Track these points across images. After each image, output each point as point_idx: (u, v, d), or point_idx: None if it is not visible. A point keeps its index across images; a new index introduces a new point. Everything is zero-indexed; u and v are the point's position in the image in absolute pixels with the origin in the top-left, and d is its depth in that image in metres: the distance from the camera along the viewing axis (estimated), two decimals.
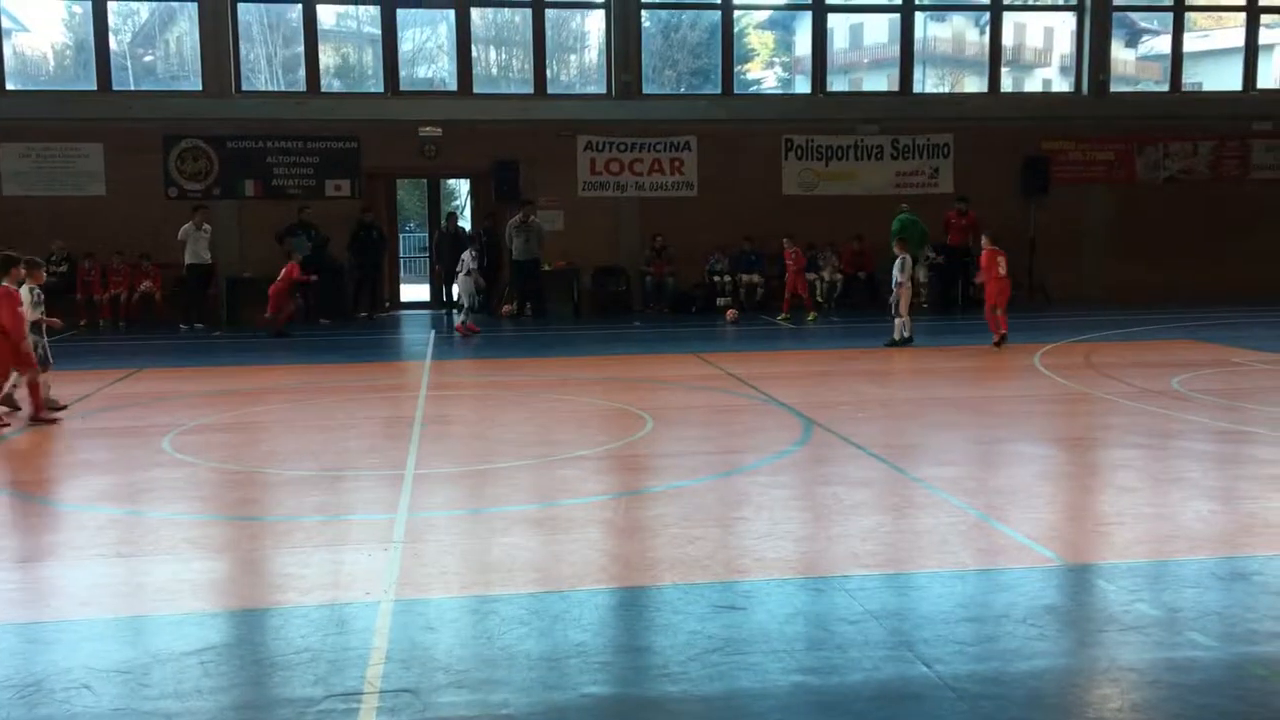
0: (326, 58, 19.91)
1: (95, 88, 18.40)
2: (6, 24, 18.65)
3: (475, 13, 19.56)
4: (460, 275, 16.07)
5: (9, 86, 18.29)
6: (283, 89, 19.46)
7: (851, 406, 9.87)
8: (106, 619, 4.87)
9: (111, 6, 18.66)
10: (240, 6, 18.67)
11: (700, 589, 5.11)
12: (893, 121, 20.15)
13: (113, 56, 18.70)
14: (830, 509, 6.47)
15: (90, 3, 18.29)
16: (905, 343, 13.95)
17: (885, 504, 6.59)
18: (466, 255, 16.07)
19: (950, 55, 26.36)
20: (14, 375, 9.41)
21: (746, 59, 23.00)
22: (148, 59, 20.20)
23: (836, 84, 21.91)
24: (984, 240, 14.52)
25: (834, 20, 21.18)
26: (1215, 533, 5.94)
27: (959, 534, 5.94)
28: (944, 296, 19.43)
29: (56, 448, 8.74)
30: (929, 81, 23.60)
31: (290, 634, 4.63)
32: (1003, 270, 13.86)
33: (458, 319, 16.33)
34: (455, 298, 16.84)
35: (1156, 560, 5.49)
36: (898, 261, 14.12)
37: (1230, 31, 22.43)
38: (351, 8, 19.92)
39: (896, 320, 14.06)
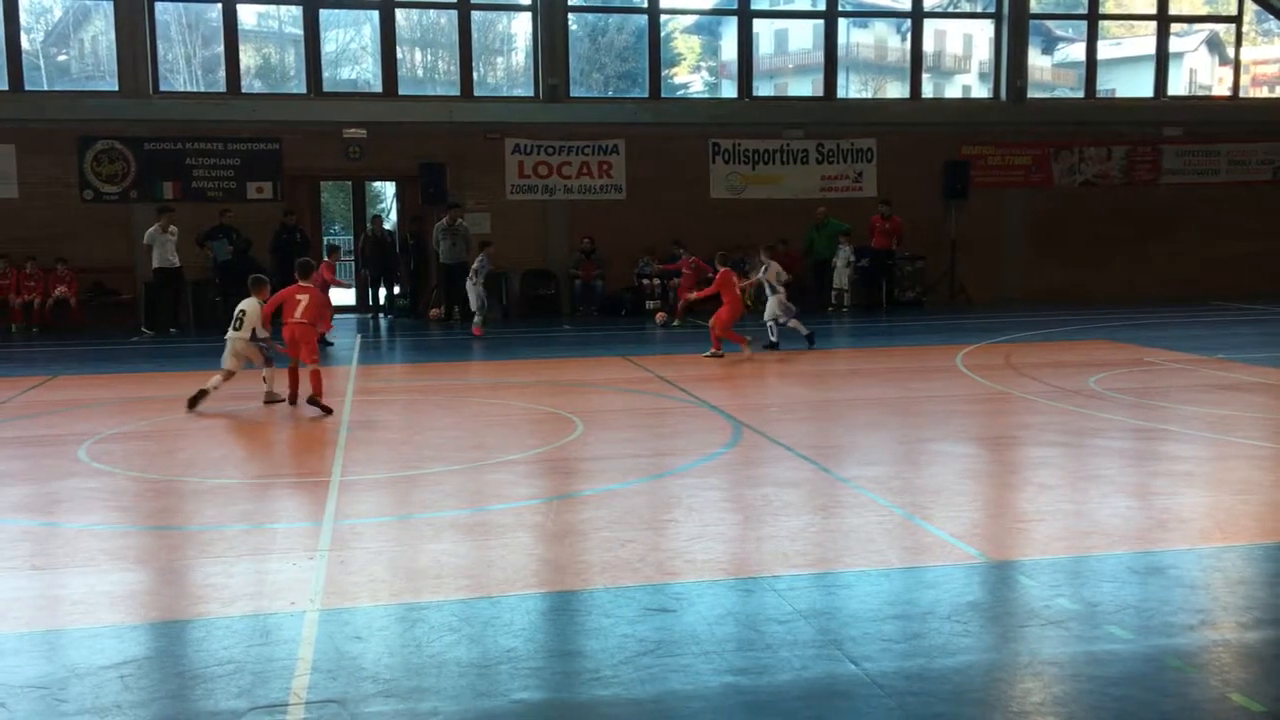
0: (247, 58, 19.58)
1: (7, 87, 17.87)
2: None
3: (400, 14, 19.40)
4: (471, 283, 15.97)
5: None
6: (202, 89, 19.13)
7: (779, 409, 9.95)
8: (21, 633, 4.74)
9: (24, 4, 18.15)
10: (158, 6, 18.26)
11: (631, 592, 5.12)
12: (817, 126, 20.38)
13: (25, 56, 18.20)
14: (760, 510, 6.52)
15: (1, 1, 17.76)
16: (773, 347, 13.96)
17: (813, 504, 6.65)
18: (479, 261, 15.97)
19: (873, 61, 26.76)
20: None
21: (673, 63, 23.11)
22: (61, 58, 19.67)
23: (762, 88, 22.17)
24: (718, 258, 13.95)
25: (759, 25, 21.39)
26: (1131, 528, 6.09)
27: (885, 532, 6.03)
28: (868, 299, 19.72)
29: None
30: (852, 87, 23.96)
31: (213, 646, 4.54)
32: (738, 290, 13.54)
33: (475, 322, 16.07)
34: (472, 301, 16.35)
35: (1075, 556, 5.63)
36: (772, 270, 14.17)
37: (1141, 40, 23.07)
38: (273, 8, 19.58)
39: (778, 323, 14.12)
